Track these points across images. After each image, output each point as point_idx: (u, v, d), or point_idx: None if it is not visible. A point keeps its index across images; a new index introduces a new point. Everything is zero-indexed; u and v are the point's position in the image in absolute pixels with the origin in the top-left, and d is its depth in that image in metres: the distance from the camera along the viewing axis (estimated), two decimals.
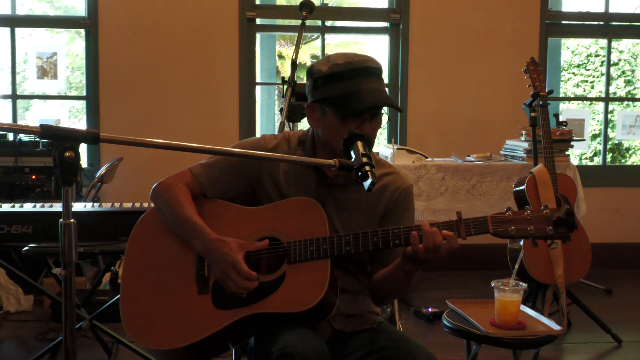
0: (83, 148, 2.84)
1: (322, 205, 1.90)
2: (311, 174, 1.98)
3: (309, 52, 12.78)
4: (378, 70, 1.90)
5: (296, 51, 3.12)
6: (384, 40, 5.48)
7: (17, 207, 2.91)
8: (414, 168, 4.24)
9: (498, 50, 5.19)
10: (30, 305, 4.04)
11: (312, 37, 12.04)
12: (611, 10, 5.44)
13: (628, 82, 10.78)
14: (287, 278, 1.82)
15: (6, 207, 2.92)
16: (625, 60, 10.86)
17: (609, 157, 10.73)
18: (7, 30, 4.99)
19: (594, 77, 11.13)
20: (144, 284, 1.93)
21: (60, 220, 1.48)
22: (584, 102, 10.30)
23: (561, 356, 3.59)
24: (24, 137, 4.36)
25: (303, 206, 1.90)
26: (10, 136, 4.43)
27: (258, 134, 5.27)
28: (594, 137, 10.38)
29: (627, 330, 3.86)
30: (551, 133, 3.75)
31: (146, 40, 4.92)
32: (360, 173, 1.69)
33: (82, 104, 7.71)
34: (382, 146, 4.58)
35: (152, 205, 2.05)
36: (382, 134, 8.73)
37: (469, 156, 4.50)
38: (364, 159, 1.70)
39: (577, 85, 11.18)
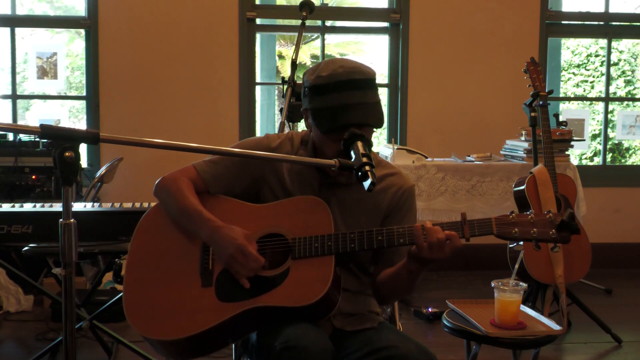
0: (83, 148, 2.84)
1: None
2: (314, 173, 1.99)
3: (309, 52, 12.77)
4: (364, 81, 1.86)
5: (296, 51, 3.12)
6: (384, 40, 5.48)
7: (17, 207, 2.91)
8: (414, 168, 4.24)
9: (498, 50, 5.19)
10: (30, 305, 4.04)
11: (312, 37, 12.04)
12: (611, 10, 5.44)
13: (628, 82, 10.78)
14: (291, 273, 1.83)
15: (6, 207, 2.91)
16: (625, 60, 10.86)
17: (609, 157, 10.73)
18: (7, 30, 4.99)
19: (594, 77, 11.12)
20: (148, 276, 1.93)
21: (60, 220, 1.48)
22: (584, 102, 10.29)
23: (561, 356, 3.59)
24: (24, 137, 4.35)
25: (309, 204, 1.91)
26: (10, 136, 4.43)
27: (258, 134, 5.27)
28: (594, 137, 10.38)
29: (627, 330, 3.86)
30: (551, 133, 3.75)
31: (146, 40, 4.92)
32: (360, 173, 1.70)
33: (82, 104, 7.72)
34: (382, 146, 4.58)
35: (153, 204, 2.06)
36: (382, 134, 8.74)
37: (469, 156, 4.50)
38: (364, 159, 1.71)
39: (577, 85, 11.18)
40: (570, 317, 3.85)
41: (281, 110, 3.10)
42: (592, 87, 11.08)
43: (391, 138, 4.68)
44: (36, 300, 4.10)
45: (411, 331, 3.76)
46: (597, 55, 11.05)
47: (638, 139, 9.97)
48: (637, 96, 11.03)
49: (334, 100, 1.84)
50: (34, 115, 9.23)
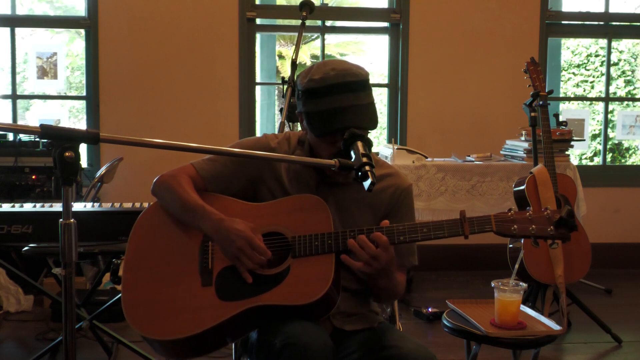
0: (83, 148, 2.84)
1: None
2: (312, 172, 1.99)
3: (309, 52, 12.77)
4: (356, 83, 1.85)
5: (296, 51, 3.13)
6: (384, 40, 5.48)
7: (17, 207, 2.91)
8: (414, 168, 4.24)
9: (498, 50, 5.19)
10: (30, 305, 4.04)
11: (312, 37, 12.04)
12: (611, 10, 5.44)
13: (628, 82, 10.77)
14: (291, 271, 1.83)
15: (6, 207, 2.91)
16: (625, 60, 10.85)
17: (609, 157, 10.73)
18: (7, 30, 4.99)
19: (594, 77, 11.12)
20: (146, 274, 1.92)
21: (60, 220, 1.48)
22: (584, 102, 10.29)
23: (561, 356, 3.59)
24: (24, 137, 4.36)
25: (308, 203, 1.91)
26: (10, 136, 4.43)
27: (258, 134, 5.26)
28: (594, 137, 10.38)
29: (627, 330, 3.86)
30: (551, 133, 3.75)
31: (146, 40, 4.92)
32: (360, 173, 1.70)
33: (82, 104, 7.72)
34: (382, 146, 4.57)
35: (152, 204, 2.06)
36: (382, 134, 8.74)
37: (469, 156, 4.50)
38: (364, 159, 1.71)
39: (577, 85, 11.18)
40: (570, 317, 3.85)
41: (281, 110, 3.10)
42: (592, 87, 11.08)
43: (391, 138, 4.68)
44: (36, 300, 4.10)
45: (411, 331, 3.76)
46: (597, 55, 11.04)
47: (638, 139, 9.96)
48: (637, 96, 11.03)
49: (327, 104, 1.84)
50: (34, 115, 9.23)
